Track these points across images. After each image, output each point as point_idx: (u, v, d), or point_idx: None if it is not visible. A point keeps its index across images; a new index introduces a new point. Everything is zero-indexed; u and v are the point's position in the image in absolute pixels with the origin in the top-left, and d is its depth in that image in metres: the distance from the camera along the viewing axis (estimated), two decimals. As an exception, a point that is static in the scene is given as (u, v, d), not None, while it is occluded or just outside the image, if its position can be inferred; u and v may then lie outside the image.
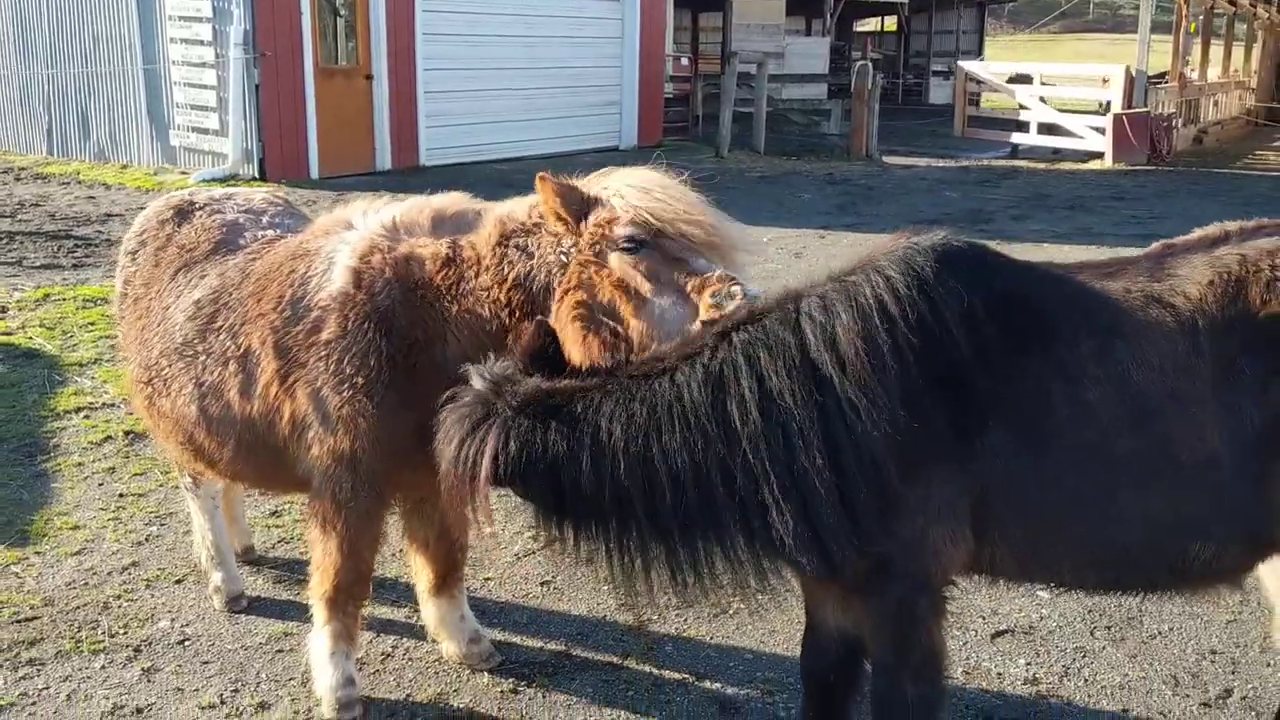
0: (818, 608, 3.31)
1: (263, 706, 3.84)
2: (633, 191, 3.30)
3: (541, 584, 4.73)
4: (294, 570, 4.79)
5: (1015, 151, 21.38)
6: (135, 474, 5.75)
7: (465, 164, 16.56)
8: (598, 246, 3.27)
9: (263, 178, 14.87)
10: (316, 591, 3.77)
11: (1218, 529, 2.90)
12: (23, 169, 16.21)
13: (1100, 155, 19.94)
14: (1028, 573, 3.19)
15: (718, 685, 4.01)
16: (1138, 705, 3.90)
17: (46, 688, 3.92)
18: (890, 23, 38.81)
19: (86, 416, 6.51)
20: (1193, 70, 24.20)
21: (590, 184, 3.42)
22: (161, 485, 5.60)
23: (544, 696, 3.92)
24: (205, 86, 15.24)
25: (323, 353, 3.51)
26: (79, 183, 15.07)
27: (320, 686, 3.80)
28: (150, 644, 4.21)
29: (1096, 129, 20.18)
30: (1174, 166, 19.38)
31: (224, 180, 14.45)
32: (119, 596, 4.55)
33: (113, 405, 6.68)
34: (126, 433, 6.25)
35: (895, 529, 2.84)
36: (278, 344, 3.60)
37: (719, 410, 2.80)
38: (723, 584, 2.92)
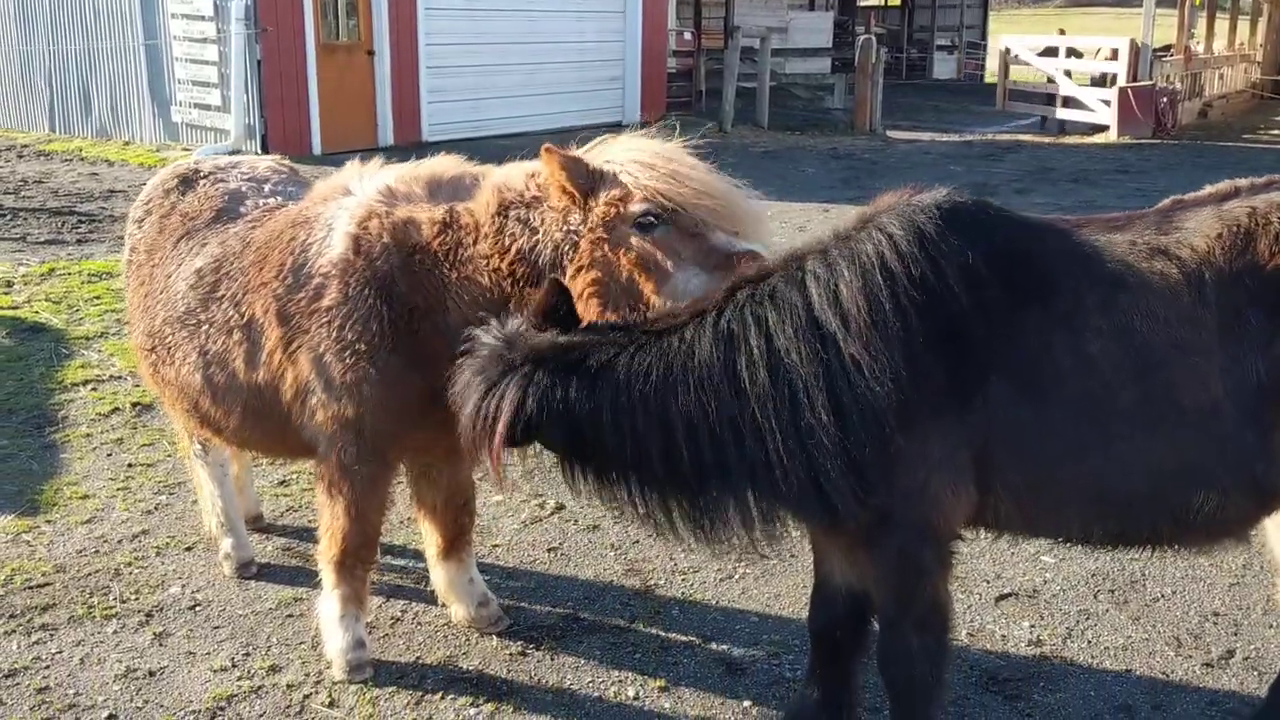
0: (825, 563, 3.34)
1: (274, 669, 3.88)
2: (641, 166, 3.29)
3: (548, 550, 4.77)
4: (302, 538, 4.83)
5: (1044, 124, 21.31)
6: (143, 444, 5.78)
7: (468, 139, 16.47)
8: (612, 224, 3.26)
9: (265, 153, 14.85)
10: (325, 556, 3.81)
11: (1222, 478, 2.91)
12: (25, 146, 16.20)
13: (1105, 128, 19.87)
14: (1033, 525, 3.21)
15: (724, 647, 4.05)
16: (1141, 666, 3.93)
17: (59, 652, 3.96)
18: (894, -3, 38.56)
19: (94, 389, 6.54)
20: (1198, 43, 24.07)
21: (592, 156, 3.40)
22: (169, 455, 5.63)
23: (552, 658, 3.96)
24: (207, 62, 15.20)
25: (325, 319, 3.53)
26: (81, 160, 15.06)
27: (330, 649, 3.84)
28: (161, 609, 4.25)
29: (1105, 102, 20.10)
30: (1179, 140, 19.32)
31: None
32: (130, 563, 4.59)
33: (120, 378, 6.71)
34: (134, 404, 6.28)
35: (896, 481, 2.88)
36: (280, 311, 3.62)
37: (729, 368, 2.84)
38: (735, 536, 2.96)
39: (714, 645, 4.06)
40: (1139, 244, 3.01)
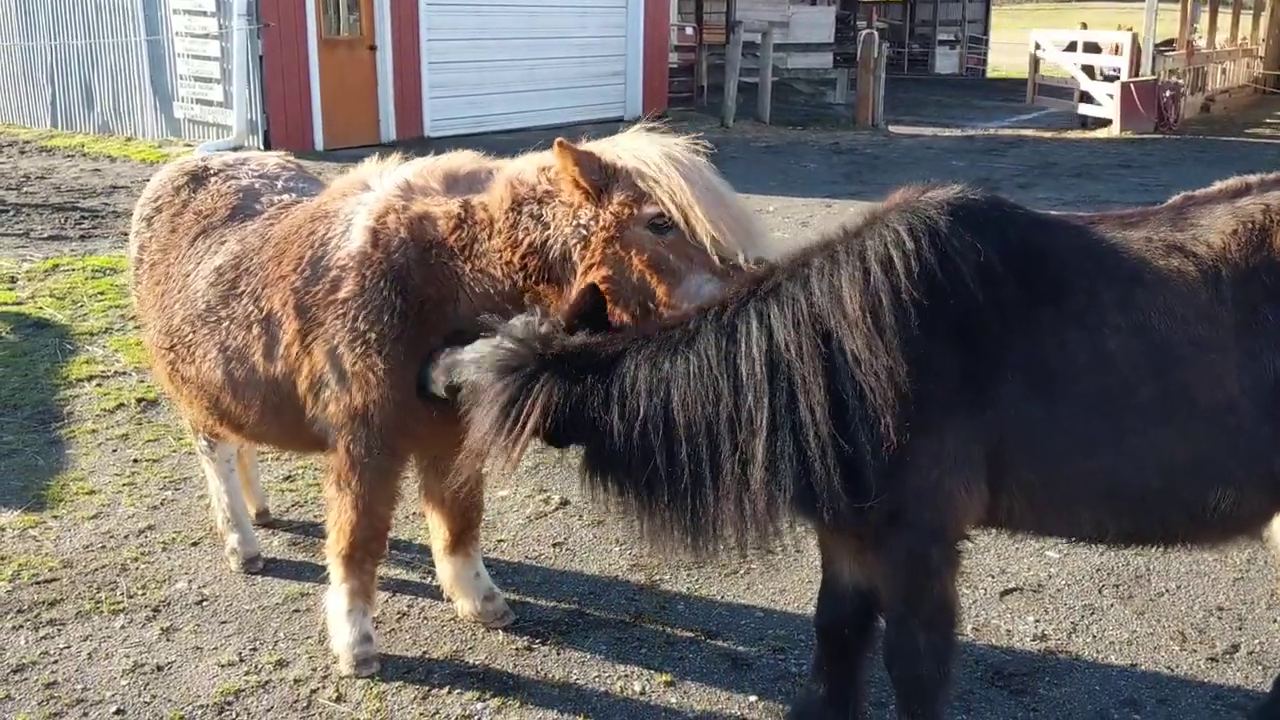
0: (833, 561, 3.35)
1: (281, 664, 3.90)
2: (652, 169, 3.29)
3: (554, 545, 4.78)
4: (308, 533, 4.84)
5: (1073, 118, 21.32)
6: (149, 440, 5.79)
7: (470, 135, 16.49)
8: (625, 224, 3.27)
9: (267, 150, 14.83)
10: (334, 549, 3.82)
11: (1237, 475, 2.91)
12: (27, 142, 16.20)
13: (1108, 123, 19.86)
14: (1046, 524, 3.20)
15: (729, 643, 4.06)
16: (1145, 660, 3.94)
17: (67, 647, 3.97)
18: (895, -9, 38.52)
19: (99, 384, 6.55)
20: (1200, 38, 24.04)
21: (605, 151, 3.40)
22: (175, 451, 5.65)
23: (558, 653, 3.97)
24: (209, 58, 15.20)
25: (340, 310, 3.54)
26: (84, 155, 15.06)
27: (337, 644, 3.85)
28: (169, 604, 4.27)
29: (1110, 96, 20.08)
30: (1181, 135, 19.30)
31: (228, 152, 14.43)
32: (136, 559, 4.60)
33: (124, 373, 6.72)
34: (139, 400, 6.29)
35: (908, 479, 2.86)
36: (298, 304, 3.63)
37: (729, 365, 2.85)
38: (732, 539, 2.96)
39: (719, 640, 4.07)
40: (1154, 240, 3.00)
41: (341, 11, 16.02)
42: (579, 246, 3.32)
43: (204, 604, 4.28)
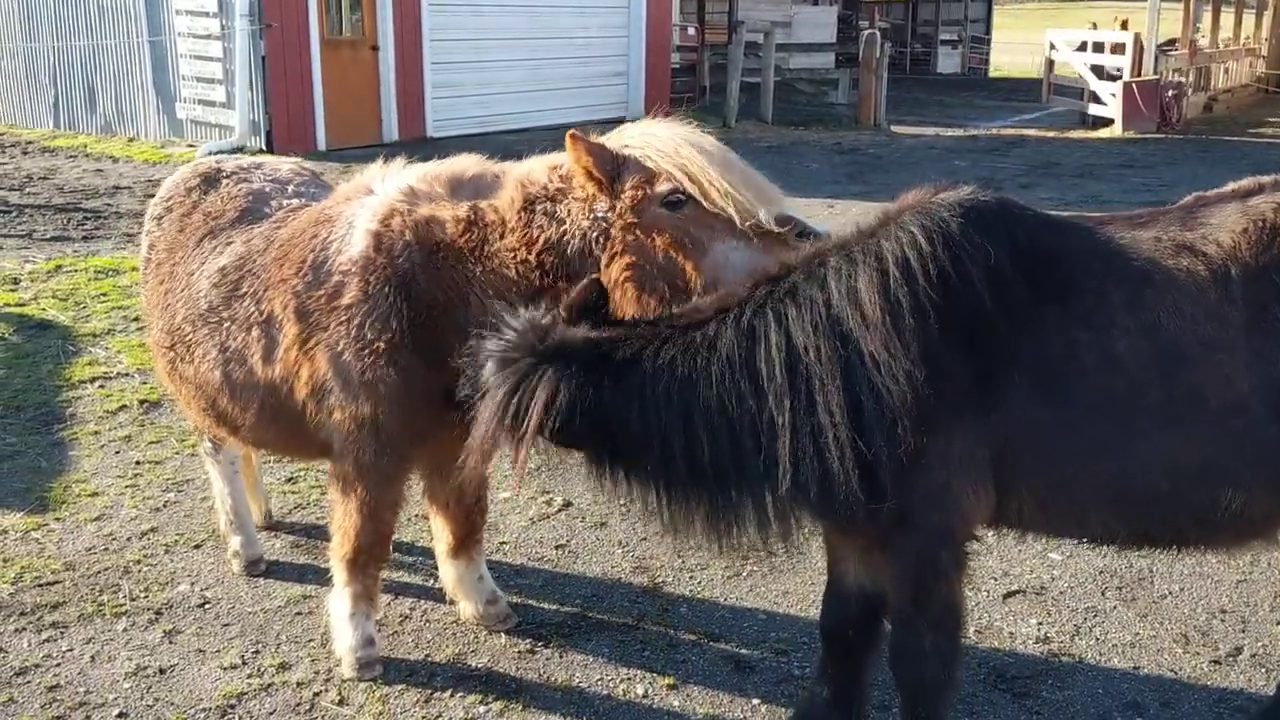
0: (839, 563, 3.34)
1: (284, 667, 3.90)
2: (660, 147, 3.29)
3: (557, 547, 4.78)
4: (311, 535, 4.84)
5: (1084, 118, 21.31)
6: (151, 442, 5.79)
7: (472, 135, 16.49)
8: (641, 207, 3.27)
9: (270, 150, 14.85)
10: (337, 553, 3.82)
11: (1247, 477, 2.90)
12: (30, 143, 16.23)
13: (1110, 123, 19.84)
14: (1055, 525, 3.20)
15: (732, 645, 4.05)
16: (1148, 663, 3.93)
17: (70, 649, 3.98)
18: (897, -9, 38.51)
19: (101, 386, 6.55)
20: (1203, 37, 24.01)
21: (613, 141, 3.40)
22: (178, 453, 5.65)
23: (561, 656, 3.97)
24: (211, 59, 15.22)
25: (344, 317, 3.53)
26: (86, 156, 15.08)
27: (340, 647, 3.85)
28: (171, 607, 4.27)
29: (1113, 95, 20.06)
30: (1184, 134, 19.28)
31: (231, 153, 14.43)
32: (139, 561, 4.60)
33: (127, 375, 6.72)
34: (141, 402, 6.29)
35: (916, 481, 2.86)
36: (299, 308, 3.62)
37: (749, 364, 2.84)
38: (752, 536, 2.96)
39: (722, 643, 4.07)
40: (1164, 240, 3.00)
41: (344, 12, 16.03)
42: (599, 239, 3.31)
43: (206, 606, 4.28)
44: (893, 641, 3.12)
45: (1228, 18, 26.90)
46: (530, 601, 4.35)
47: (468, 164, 3.72)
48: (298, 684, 3.80)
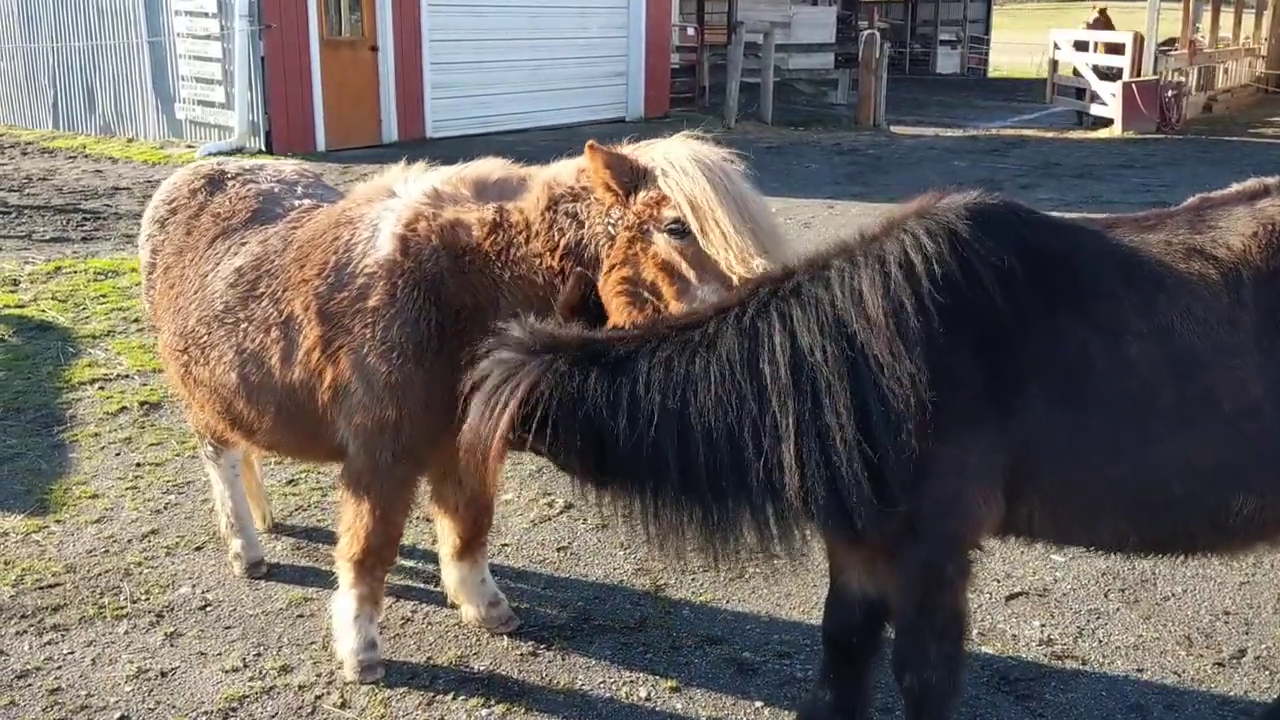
0: (842, 570, 3.32)
1: (285, 669, 3.89)
2: (680, 172, 3.25)
3: (559, 550, 4.77)
4: (312, 538, 4.84)
5: (1081, 118, 21.31)
6: (152, 444, 5.78)
7: (472, 135, 16.49)
8: (645, 225, 3.26)
9: (269, 150, 14.85)
10: (345, 554, 3.79)
11: (1259, 481, 2.89)
12: (29, 143, 16.21)
13: (1109, 123, 19.84)
14: (1066, 533, 3.17)
15: (734, 648, 4.05)
16: (1152, 665, 3.93)
17: (71, 652, 3.97)
18: (897, -9, 38.50)
19: (101, 388, 6.54)
20: (1202, 37, 24.01)
21: (638, 153, 3.37)
22: (178, 455, 5.64)
23: (563, 658, 3.96)
24: (210, 59, 15.21)
25: (369, 320, 3.51)
26: (85, 156, 15.07)
27: (343, 649, 3.84)
28: (172, 609, 4.26)
29: (1113, 95, 20.06)
30: (1183, 135, 19.28)
31: (230, 154, 14.43)
32: (140, 563, 4.59)
33: (127, 376, 6.71)
34: (141, 403, 6.28)
35: (927, 489, 2.83)
36: (321, 310, 3.59)
37: (751, 364, 2.80)
38: (749, 545, 2.93)
39: (725, 646, 4.06)
40: (1174, 244, 2.98)
41: (343, 12, 16.02)
42: (607, 245, 3.30)
43: (208, 609, 4.27)
44: (897, 649, 3.10)
45: (1227, 17, 26.90)
46: (532, 604, 4.34)
47: (493, 167, 3.70)
48: (300, 687, 3.79)
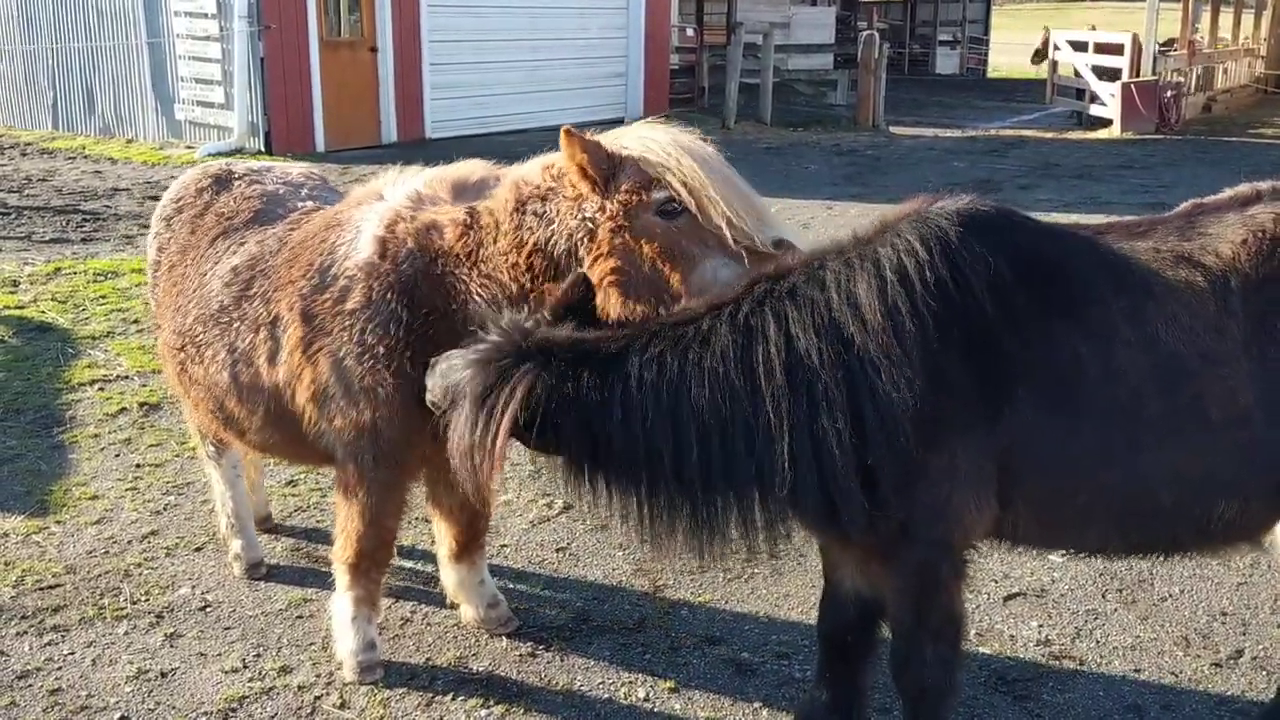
0: (836, 571, 3.33)
1: (285, 670, 3.90)
2: (660, 153, 3.23)
3: (558, 550, 4.78)
4: (311, 538, 4.85)
5: (1080, 118, 21.33)
6: (151, 445, 5.79)
7: (471, 136, 16.51)
8: (633, 211, 3.21)
9: (269, 151, 14.86)
10: (340, 556, 3.81)
11: (1245, 487, 2.91)
12: (28, 144, 16.22)
13: (1109, 123, 19.86)
14: (1051, 537, 3.19)
15: (733, 649, 4.05)
16: (1149, 666, 3.94)
17: (71, 653, 3.98)
18: (896, -9, 38.52)
19: (101, 389, 6.55)
20: (1202, 37, 24.03)
21: (610, 141, 3.34)
22: (178, 456, 5.65)
23: (562, 659, 3.97)
24: (209, 60, 15.22)
25: (347, 322, 3.52)
26: (85, 157, 15.08)
27: (342, 650, 3.85)
28: (172, 610, 4.27)
29: (1112, 95, 20.07)
30: (1183, 135, 19.29)
31: (230, 154, 14.43)
32: (140, 564, 4.60)
33: (127, 377, 6.72)
34: (141, 404, 6.29)
35: (919, 493, 2.84)
36: (304, 311, 3.61)
37: (745, 366, 2.79)
38: (740, 545, 2.94)
39: (723, 646, 4.07)
40: (1163, 251, 2.99)
41: (342, 13, 16.04)
42: (585, 239, 3.26)
43: (207, 610, 4.28)
44: (894, 651, 3.11)
45: (1226, 18, 26.91)
46: (531, 604, 4.35)
47: (473, 168, 3.70)
48: (299, 687, 3.80)
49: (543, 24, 18.53)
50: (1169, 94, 19.85)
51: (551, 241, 3.31)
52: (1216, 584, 4.46)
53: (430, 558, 4.44)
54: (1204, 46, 23.42)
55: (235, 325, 3.80)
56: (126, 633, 4.11)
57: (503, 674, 3.89)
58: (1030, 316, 2.88)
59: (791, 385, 2.78)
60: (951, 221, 2.89)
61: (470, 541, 4.08)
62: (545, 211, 3.34)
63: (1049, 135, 19.68)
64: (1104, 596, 4.38)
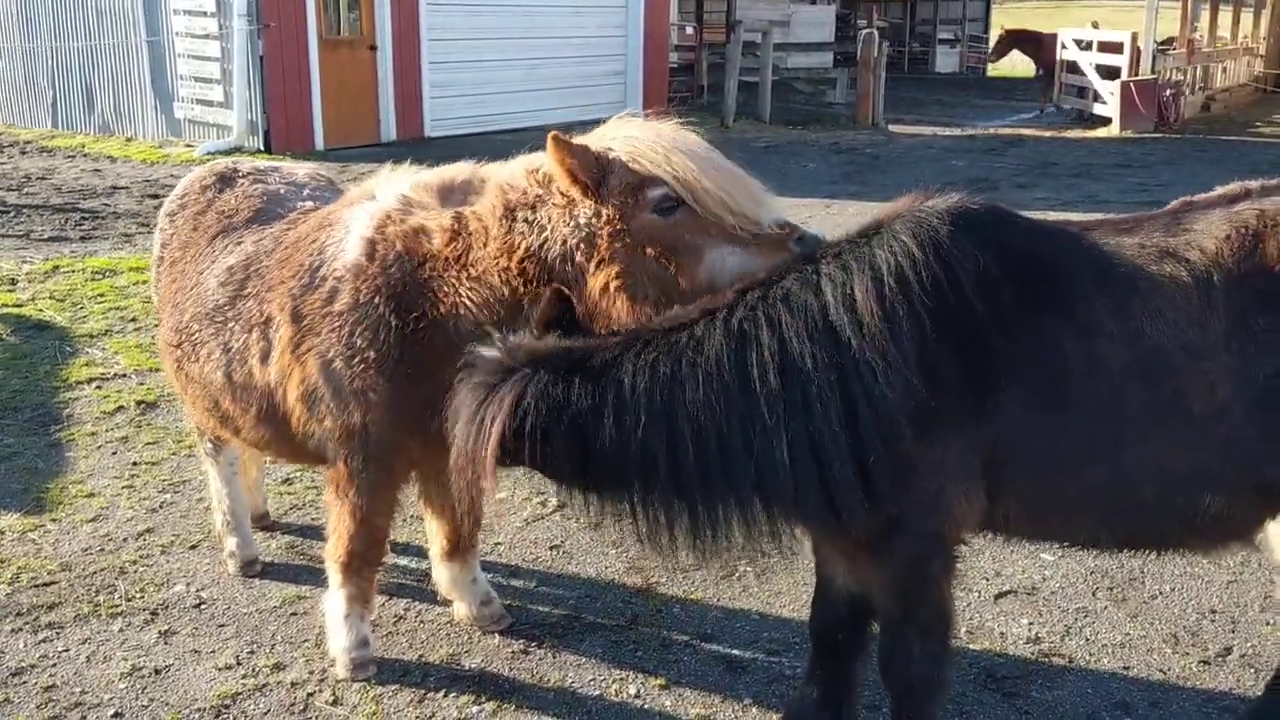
0: (827, 567, 3.35)
1: (278, 667, 3.92)
2: (647, 150, 3.21)
3: (551, 548, 4.80)
4: (306, 536, 4.86)
5: (1083, 116, 21.32)
6: (148, 443, 5.81)
7: (470, 135, 16.52)
8: (630, 213, 3.19)
9: (268, 150, 14.89)
10: (332, 555, 3.84)
11: (1228, 481, 2.92)
12: (28, 143, 16.25)
13: (1108, 122, 19.87)
14: (1041, 530, 3.22)
15: (724, 646, 4.07)
16: (1138, 663, 3.96)
17: (66, 650, 4.00)
18: (896, -10, 38.50)
19: (98, 387, 6.57)
20: (1201, 36, 24.03)
21: (596, 141, 3.32)
22: (174, 454, 5.67)
23: (554, 656, 3.99)
24: (209, 58, 15.24)
25: (336, 323, 3.53)
26: (84, 156, 15.10)
27: (334, 648, 3.88)
28: (167, 607, 4.29)
29: (1112, 94, 20.07)
30: (1181, 134, 19.30)
31: (229, 153, 14.46)
32: (135, 562, 4.62)
33: (124, 376, 6.74)
34: (138, 403, 6.31)
35: (910, 489, 2.87)
36: (294, 310, 3.62)
37: (740, 369, 2.81)
38: (739, 543, 2.95)
39: (715, 644, 4.09)
40: (1148, 246, 3.01)
41: (342, 11, 16.06)
42: (581, 246, 3.24)
43: (202, 607, 4.30)
44: (883, 646, 3.13)
45: (1226, 16, 26.91)
46: (524, 602, 4.37)
47: (459, 171, 3.70)
48: (292, 684, 3.82)
49: (541, 22, 18.55)
50: (1168, 93, 19.88)
51: (545, 247, 3.29)
52: (1207, 582, 4.48)
53: (425, 555, 4.45)
54: (1203, 45, 23.43)
55: (230, 324, 3.82)
56: (121, 630, 4.13)
57: (495, 671, 3.91)
58: (1018, 312, 2.90)
59: (786, 387, 2.79)
60: (943, 220, 2.91)
61: (463, 540, 4.10)
62: (536, 218, 3.32)
63: (1048, 134, 19.69)
64: (1094, 594, 4.40)
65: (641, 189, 3.20)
